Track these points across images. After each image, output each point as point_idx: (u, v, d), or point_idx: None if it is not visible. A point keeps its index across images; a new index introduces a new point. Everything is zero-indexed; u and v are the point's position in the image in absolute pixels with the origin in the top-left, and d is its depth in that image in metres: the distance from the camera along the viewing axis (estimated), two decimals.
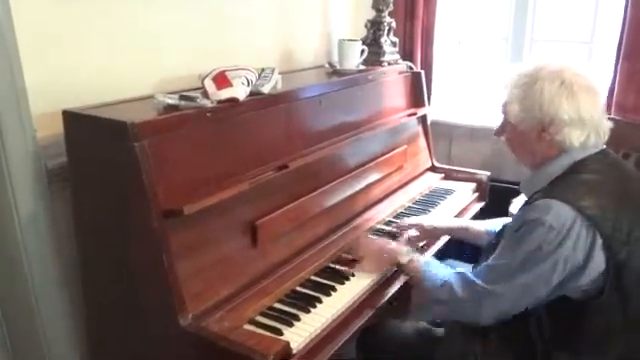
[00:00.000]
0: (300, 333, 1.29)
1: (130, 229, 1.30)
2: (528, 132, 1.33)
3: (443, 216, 1.94)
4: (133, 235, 1.30)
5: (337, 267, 1.59)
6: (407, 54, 2.53)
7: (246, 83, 1.51)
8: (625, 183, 1.32)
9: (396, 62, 2.29)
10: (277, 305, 1.40)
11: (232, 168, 1.44)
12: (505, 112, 1.37)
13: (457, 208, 2.06)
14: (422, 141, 2.33)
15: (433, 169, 2.35)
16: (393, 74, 2.22)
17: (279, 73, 1.69)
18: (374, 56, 2.20)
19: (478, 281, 1.31)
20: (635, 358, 1.30)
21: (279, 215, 1.53)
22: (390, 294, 1.53)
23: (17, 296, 1.50)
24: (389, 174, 2.05)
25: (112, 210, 1.34)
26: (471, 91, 2.83)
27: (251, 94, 1.53)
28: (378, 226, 1.86)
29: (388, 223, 1.89)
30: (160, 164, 1.26)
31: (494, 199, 2.21)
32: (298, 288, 1.48)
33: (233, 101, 1.45)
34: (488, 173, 2.24)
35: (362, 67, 2.10)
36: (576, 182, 1.28)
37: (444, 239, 1.82)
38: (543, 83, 1.27)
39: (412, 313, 1.53)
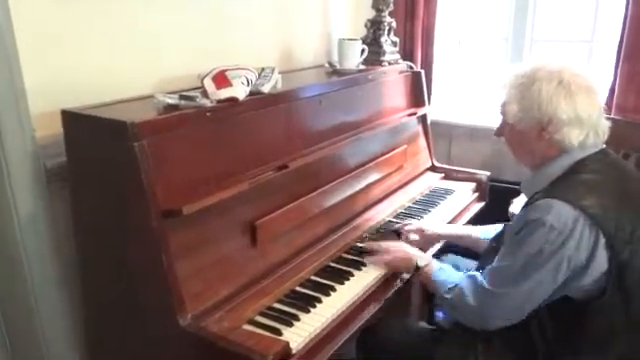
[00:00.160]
0: (300, 333, 1.29)
1: (129, 229, 1.30)
2: (527, 132, 1.33)
3: (440, 221, 1.93)
4: (132, 235, 1.30)
5: (340, 267, 1.58)
6: (407, 54, 2.53)
7: (246, 83, 1.51)
8: (625, 183, 1.32)
9: (396, 62, 2.29)
10: (277, 305, 1.40)
11: (232, 168, 1.44)
12: (504, 112, 1.38)
13: (457, 208, 2.06)
14: (422, 141, 2.33)
15: (433, 169, 2.34)
16: (393, 74, 2.22)
17: (279, 73, 1.69)
18: (374, 56, 2.19)
19: (487, 286, 1.31)
20: (637, 358, 1.30)
21: (279, 215, 1.52)
22: (390, 294, 1.53)
23: (16, 296, 1.50)
24: (389, 174, 2.04)
25: (111, 210, 1.33)
26: (471, 91, 2.83)
27: (251, 94, 1.52)
28: (378, 226, 1.86)
29: (388, 223, 1.88)
30: (159, 164, 1.25)
31: (494, 199, 2.20)
32: (298, 288, 1.47)
33: (233, 101, 1.45)
34: (488, 173, 2.24)
35: (362, 67, 2.10)
36: (577, 182, 1.28)
37: (440, 243, 1.82)
38: (541, 83, 1.28)
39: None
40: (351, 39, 2.08)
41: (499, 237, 1.51)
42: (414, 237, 1.76)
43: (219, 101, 1.43)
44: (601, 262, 1.22)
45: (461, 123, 2.67)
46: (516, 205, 2.16)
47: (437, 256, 1.78)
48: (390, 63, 2.24)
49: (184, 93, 1.42)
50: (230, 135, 1.45)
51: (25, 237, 1.43)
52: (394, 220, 1.90)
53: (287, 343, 1.20)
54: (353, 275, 1.54)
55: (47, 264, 1.48)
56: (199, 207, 1.28)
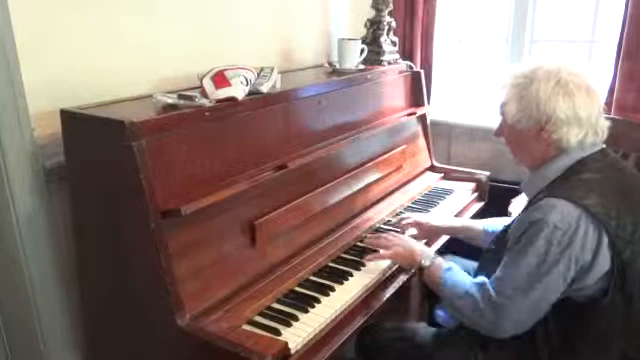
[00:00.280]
0: (298, 333, 1.29)
1: (127, 228, 1.30)
2: (526, 132, 1.33)
3: (442, 215, 1.93)
4: (131, 235, 1.30)
5: (339, 267, 1.58)
6: (407, 53, 2.52)
7: (245, 82, 1.51)
8: (625, 183, 1.33)
9: (396, 61, 2.28)
10: (275, 305, 1.40)
11: (231, 168, 1.44)
12: (503, 112, 1.38)
13: (456, 208, 2.05)
14: (422, 141, 2.33)
15: (432, 169, 2.34)
16: (393, 74, 2.21)
17: (278, 72, 1.69)
18: (374, 55, 2.19)
19: (497, 297, 1.28)
20: (638, 359, 1.30)
21: (278, 215, 1.52)
22: (389, 294, 1.53)
23: (15, 295, 1.50)
24: (388, 174, 2.04)
25: (110, 209, 1.33)
26: (471, 91, 2.82)
27: (250, 93, 1.52)
28: (378, 226, 1.86)
29: (388, 223, 1.88)
30: (158, 164, 1.25)
31: (493, 199, 2.20)
32: (297, 288, 1.47)
33: (232, 100, 1.44)
34: (487, 173, 2.24)
35: (362, 66, 2.09)
36: (577, 181, 1.28)
37: (443, 239, 1.82)
38: (539, 83, 1.28)
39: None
40: (351, 39, 2.08)
41: (499, 238, 1.50)
42: (412, 231, 1.75)
43: (218, 101, 1.43)
44: (604, 262, 1.22)
45: (461, 123, 2.67)
46: (515, 205, 2.16)
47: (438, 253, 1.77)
48: (390, 63, 2.23)
49: (183, 93, 1.42)
50: (229, 135, 1.45)
51: (24, 236, 1.43)
52: (394, 220, 1.89)
53: (286, 343, 1.20)
54: (352, 275, 1.54)
55: (46, 263, 1.48)
56: (198, 207, 1.28)
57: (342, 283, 1.50)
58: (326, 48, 2.39)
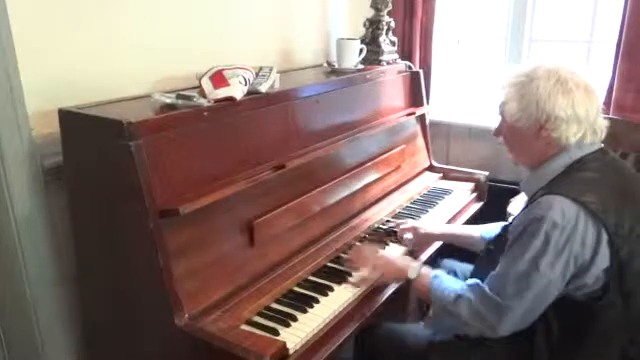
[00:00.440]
0: (297, 333, 1.29)
1: (126, 228, 1.30)
2: (526, 130, 1.33)
3: (438, 221, 1.92)
4: (129, 234, 1.29)
5: (338, 267, 1.58)
6: (406, 53, 2.52)
7: (243, 82, 1.50)
8: (624, 182, 1.33)
9: (395, 61, 2.28)
10: (274, 305, 1.40)
11: (229, 168, 1.44)
12: (503, 112, 1.38)
13: (455, 208, 2.05)
14: (420, 141, 2.33)
15: (431, 169, 2.34)
16: (392, 73, 2.21)
17: (277, 72, 1.69)
18: (373, 55, 2.19)
19: (494, 294, 1.28)
20: (637, 357, 1.30)
21: (276, 215, 1.52)
22: (388, 295, 1.52)
23: (13, 295, 1.50)
24: (387, 174, 2.04)
25: (108, 209, 1.33)
26: (470, 91, 2.82)
27: (248, 93, 1.52)
28: (376, 225, 1.85)
29: (386, 223, 1.88)
30: (156, 163, 1.25)
31: (492, 199, 2.20)
32: (295, 288, 1.47)
33: (230, 100, 1.44)
34: (486, 173, 2.24)
35: (361, 66, 2.09)
36: (576, 179, 1.28)
37: (436, 245, 1.80)
38: (539, 81, 1.29)
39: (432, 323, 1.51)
40: (350, 39, 2.08)
41: (497, 239, 1.50)
42: (408, 236, 1.75)
43: (216, 101, 1.42)
44: (604, 260, 1.22)
45: (459, 123, 2.67)
46: (514, 205, 2.16)
47: (434, 260, 1.77)
48: (389, 63, 2.23)
49: (181, 92, 1.41)
50: (227, 135, 1.45)
51: (22, 237, 1.43)
52: (392, 220, 1.89)
53: (284, 344, 1.20)
54: (351, 275, 1.54)
55: (44, 264, 1.48)
56: (196, 207, 1.27)
57: (341, 283, 1.50)
58: (325, 48, 2.39)
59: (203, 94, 1.44)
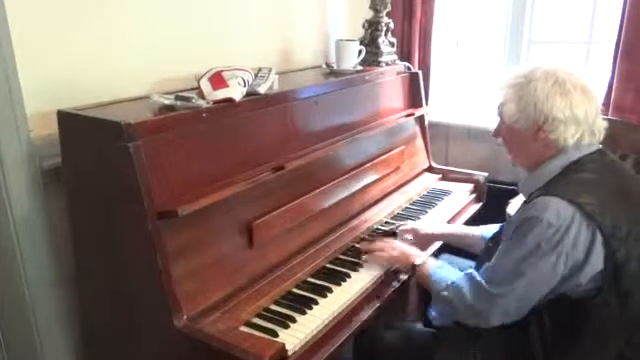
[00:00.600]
0: (296, 335, 1.28)
1: (124, 230, 1.30)
2: (524, 132, 1.33)
3: (438, 222, 1.93)
4: (127, 236, 1.29)
5: (337, 268, 1.58)
6: (405, 54, 2.52)
7: (242, 83, 1.50)
8: (622, 183, 1.33)
9: (394, 62, 2.28)
10: (273, 307, 1.39)
11: (228, 169, 1.43)
12: (501, 113, 1.38)
13: (454, 209, 2.05)
14: (419, 142, 2.33)
15: (430, 170, 2.34)
16: (391, 74, 2.21)
17: (276, 73, 1.69)
18: (372, 56, 2.19)
19: (484, 283, 1.32)
20: (633, 358, 1.30)
21: (275, 216, 1.52)
22: (386, 295, 1.52)
23: (12, 296, 1.50)
24: (386, 175, 2.04)
25: (107, 211, 1.33)
26: (469, 92, 2.82)
27: (247, 94, 1.52)
28: (376, 227, 1.85)
29: (385, 224, 1.88)
30: (155, 165, 1.25)
31: (491, 200, 2.20)
32: (294, 289, 1.47)
33: (229, 101, 1.44)
34: (485, 174, 2.24)
35: (359, 67, 2.09)
36: (573, 180, 1.29)
37: (437, 244, 1.81)
38: (537, 82, 1.29)
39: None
40: (349, 40, 2.08)
41: (495, 237, 1.50)
42: (408, 237, 1.75)
43: (215, 102, 1.42)
44: (598, 260, 1.22)
45: (459, 124, 2.67)
46: (513, 206, 2.16)
47: (434, 255, 1.77)
48: (388, 64, 2.23)
49: (180, 94, 1.41)
50: (226, 136, 1.45)
51: (21, 238, 1.43)
52: (391, 221, 1.89)
53: (283, 345, 1.20)
54: (350, 276, 1.54)
55: (43, 265, 1.48)
56: (195, 208, 1.27)
57: (340, 284, 1.50)
58: (324, 49, 2.39)
59: (202, 95, 1.44)
